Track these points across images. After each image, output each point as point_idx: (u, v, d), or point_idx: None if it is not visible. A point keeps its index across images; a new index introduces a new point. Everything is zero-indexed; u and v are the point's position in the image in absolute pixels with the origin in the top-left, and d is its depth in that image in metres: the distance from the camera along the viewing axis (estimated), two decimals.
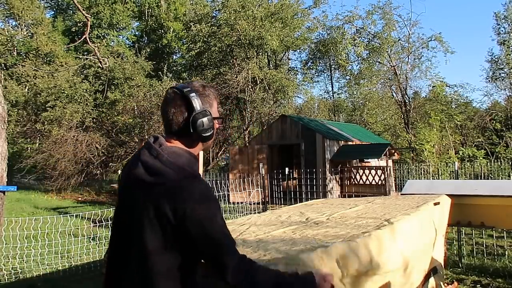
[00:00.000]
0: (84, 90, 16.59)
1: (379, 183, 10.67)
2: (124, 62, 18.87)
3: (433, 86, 19.01)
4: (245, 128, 18.60)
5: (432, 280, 2.39)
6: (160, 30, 29.62)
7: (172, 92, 1.32)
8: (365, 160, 11.85)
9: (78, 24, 26.38)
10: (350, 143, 12.78)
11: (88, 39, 6.21)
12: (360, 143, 13.20)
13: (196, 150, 1.35)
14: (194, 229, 1.18)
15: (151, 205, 1.20)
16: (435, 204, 2.65)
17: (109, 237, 1.42)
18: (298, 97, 24.56)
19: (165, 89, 16.19)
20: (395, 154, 12.72)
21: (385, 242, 1.87)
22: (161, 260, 1.21)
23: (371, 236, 1.82)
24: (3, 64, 23.65)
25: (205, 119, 1.29)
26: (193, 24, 18.32)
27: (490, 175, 12.58)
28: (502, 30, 21.71)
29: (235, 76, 16.75)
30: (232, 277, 1.19)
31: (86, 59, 16.26)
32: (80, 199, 14.70)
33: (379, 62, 21.05)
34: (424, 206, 2.56)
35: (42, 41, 23.16)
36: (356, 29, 21.12)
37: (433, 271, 2.41)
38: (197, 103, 1.29)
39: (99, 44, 19.89)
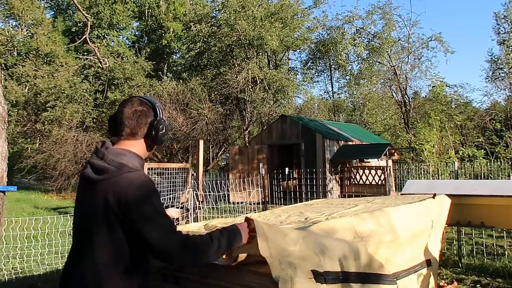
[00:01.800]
0: (84, 90, 16.60)
1: (379, 183, 10.67)
2: (124, 62, 18.87)
3: (433, 86, 19.02)
4: (245, 128, 18.60)
5: (425, 271, 2.41)
6: (160, 30, 29.62)
7: (126, 101, 1.49)
8: (365, 160, 11.85)
9: (78, 24, 26.40)
10: (350, 143, 12.78)
11: (88, 39, 6.21)
12: (360, 143, 13.20)
13: (142, 151, 1.49)
14: (136, 214, 1.30)
15: (99, 201, 1.33)
16: (433, 196, 2.75)
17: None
18: (298, 97, 24.59)
19: (165, 89, 16.29)
20: (395, 154, 12.71)
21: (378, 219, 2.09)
22: (111, 252, 1.32)
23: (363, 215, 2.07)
24: (3, 64, 23.65)
25: (163, 128, 1.48)
26: (193, 24, 18.32)
27: (490, 175, 12.58)
28: (502, 30, 21.73)
29: (235, 76, 16.75)
30: (176, 256, 1.32)
31: (86, 59, 16.28)
32: None
33: (379, 62, 21.05)
34: (418, 201, 2.69)
35: (42, 41, 23.16)
36: (356, 29, 21.13)
37: (427, 262, 2.45)
38: (159, 113, 1.48)
39: (99, 44, 19.91)
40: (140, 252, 1.36)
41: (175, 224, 1.35)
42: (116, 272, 1.32)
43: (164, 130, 1.47)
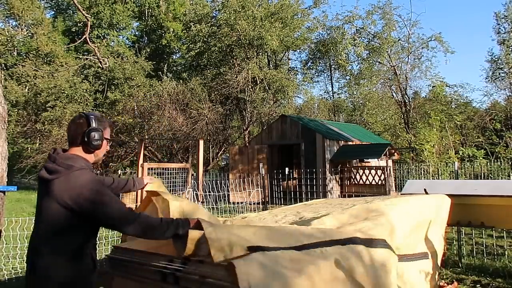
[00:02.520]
0: (84, 90, 16.62)
1: (379, 183, 10.67)
2: (124, 62, 18.88)
3: (433, 86, 19.02)
4: (245, 128, 18.60)
5: (421, 263, 2.41)
6: (160, 30, 29.63)
7: (76, 116, 1.85)
8: (365, 160, 11.85)
9: (78, 24, 26.39)
10: (350, 143, 12.77)
11: (88, 39, 6.21)
12: (360, 143, 13.19)
13: (86, 155, 1.81)
14: (94, 204, 1.64)
15: (52, 197, 1.64)
16: (425, 191, 2.94)
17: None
18: (298, 97, 24.59)
19: (165, 89, 16.30)
20: (395, 154, 12.71)
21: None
22: (62, 240, 1.65)
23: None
24: (3, 64, 23.67)
25: (94, 135, 1.78)
26: (193, 24, 18.32)
27: (490, 175, 12.57)
28: (502, 30, 21.73)
29: (235, 76, 16.75)
30: (129, 226, 1.69)
31: (86, 59, 16.26)
32: None
33: (379, 62, 21.05)
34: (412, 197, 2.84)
35: (42, 41, 23.17)
36: (356, 29, 21.13)
37: (423, 255, 2.50)
38: (92, 123, 1.79)
39: (99, 44, 19.91)
40: (87, 239, 1.73)
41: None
42: (64, 257, 1.65)
43: (95, 137, 1.78)
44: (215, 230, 1.67)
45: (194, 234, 1.71)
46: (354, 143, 12.92)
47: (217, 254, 1.60)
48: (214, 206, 7.60)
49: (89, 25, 6.44)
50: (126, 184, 2.25)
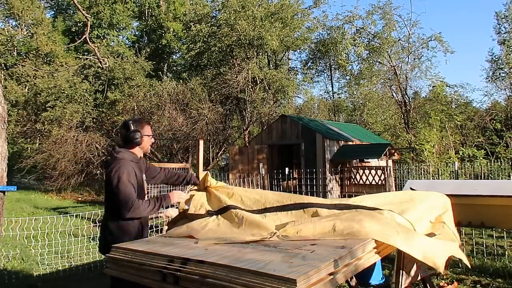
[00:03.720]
0: (84, 90, 16.59)
1: (379, 183, 10.66)
2: (124, 62, 18.86)
3: (433, 86, 19.01)
4: (245, 128, 18.60)
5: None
6: (160, 30, 29.63)
7: (121, 123, 2.74)
8: (365, 160, 11.85)
9: (78, 24, 26.40)
10: (350, 143, 12.77)
11: (88, 39, 6.20)
12: (360, 143, 13.19)
13: (135, 150, 2.62)
14: (112, 183, 2.42)
15: (106, 172, 2.52)
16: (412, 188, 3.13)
17: None
18: (298, 97, 24.58)
19: (165, 89, 16.28)
20: (395, 154, 12.71)
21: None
22: (110, 201, 2.48)
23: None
24: (3, 64, 23.66)
25: (134, 135, 2.56)
26: (193, 24, 18.32)
27: (490, 175, 12.57)
28: (502, 30, 21.71)
29: (235, 76, 16.74)
30: (124, 212, 2.38)
31: (86, 59, 16.25)
32: (80, 199, 14.71)
33: (379, 62, 21.05)
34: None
35: (42, 41, 23.17)
36: (356, 29, 21.13)
37: None
38: (131, 127, 2.57)
39: (99, 44, 19.90)
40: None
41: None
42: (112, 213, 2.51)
43: (135, 137, 2.55)
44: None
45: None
46: (354, 143, 12.91)
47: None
48: None
49: (89, 25, 6.43)
50: (179, 178, 2.96)
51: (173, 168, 10.19)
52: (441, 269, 2.11)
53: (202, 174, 2.84)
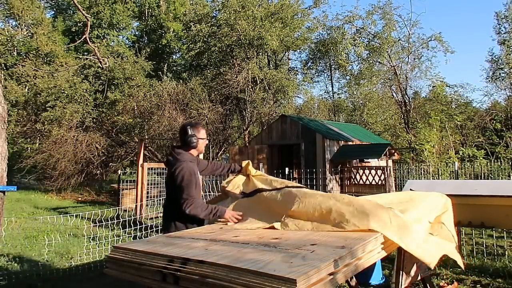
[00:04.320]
0: (84, 90, 16.58)
1: (379, 183, 10.67)
2: (124, 62, 18.86)
3: (433, 86, 19.00)
4: (245, 128, 18.60)
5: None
6: (160, 30, 29.63)
7: (180, 127, 3.04)
8: (365, 160, 11.85)
9: (78, 24, 26.41)
10: (350, 143, 12.78)
11: (88, 39, 6.20)
12: (360, 143, 13.19)
13: (192, 151, 2.97)
14: (176, 181, 2.78)
15: (169, 171, 2.87)
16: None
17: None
18: (298, 97, 24.58)
19: (165, 89, 16.29)
20: (395, 154, 12.71)
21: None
22: (170, 199, 2.92)
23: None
24: (3, 64, 23.65)
25: (191, 139, 2.90)
26: (193, 24, 18.32)
27: (490, 175, 12.57)
28: (502, 30, 21.72)
29: (235, 76, 16.74)
30: (185, 208, 2.72)
31: (86, 59, 16.25)
32: (80, 199, 14.71)
33: (379, 62, 21.06)
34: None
35: (42, 41, 23.16)
36: (356, 29, 21.13)
37: None
38: (188, 131, 2.91)
39: (99, 44, 19.90)
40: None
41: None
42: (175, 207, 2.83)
43: (192, 141, 2.90)
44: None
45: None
46: (354, 143, 12.92)
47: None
48: None
49: (89, 25, 6.43)
50: (224, 168, 3.33)
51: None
52: (432, 265, 2.19)
53: (243, 163, 3.23)
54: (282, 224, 2.44)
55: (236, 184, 3.14)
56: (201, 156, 4.05)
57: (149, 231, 6.96)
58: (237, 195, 3.02)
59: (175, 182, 2.77)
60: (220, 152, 18.07)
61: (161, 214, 6.12)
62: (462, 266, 2.79)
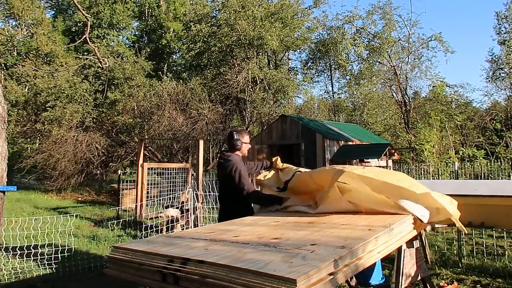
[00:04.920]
0: (84, 90, 16.57)
1: None
2: (124, 62, 18.85)
3: (433, 86, 19.01)
4: (245, 128, 18.60)
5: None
6: (160, 30, 29.63)
7: (227, 133, 3.56)
8: (365, 160, 11.85)
9: (78, 24, 26.40)
10: (350, 143, 12.78)
11: (88, 39, 6.20)
12: (360, 143, 13.20)
13: (238, 153, 3.48)
14: (234, 179, 3.24)
15: (224, 171, 3.31)
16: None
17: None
18: (298, 97, 24.59)
19: (165, 89, 16.29)
20: (395, 154, 12.71)
21: None
22: (229, 194, 3.32)
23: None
24: (3, 64, 23.65)
25: (236, 143, 3.43)
26: (193, 24, 18.32)
27: (490, 175, 12.56)
28: (502, 30, 21.73)
29: (235, 76, 16.74)
30: (248, 198, 3.21)
31: (86, 59, 16.26)
32: (80, 199, 14.70)
33: (379, 62, 21.06)
34: None
35: (42, 41, 23.16)
36: (356, 29, 21.15)
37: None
38: (234, 136, 3.43)
39: (99, 44, 19.90)
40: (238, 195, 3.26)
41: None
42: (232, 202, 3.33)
43: (236, 144, 3.42)
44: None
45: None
46: (354, 143, 12.92)
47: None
48: (214, 206, 7.60)
49: (89, 25, 6.44)
50: (258, 166, 3.84)
51: (173, 168, 10.22)
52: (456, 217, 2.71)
53: (273, 159, 3.89)
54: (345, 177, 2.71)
55: (267, 175, 3.73)
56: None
57: (149, 231, 6.96)
58: (272, 189, 3.49)
59: (234, 180, 3.22)
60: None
61: (161, 214, 6.35)
62: (464, 230, 2.91)
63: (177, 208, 7.64)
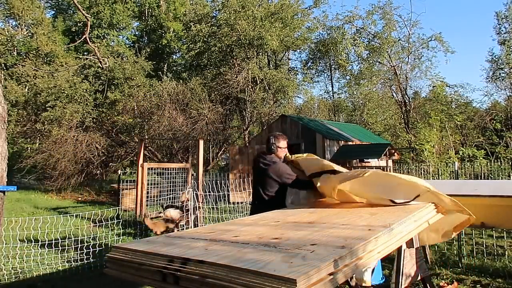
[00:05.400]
0: (84, 90, 16.57)
1: None
2: (124, 62, 18.85)
3: (433, 86, 19.02)
4: (245, 128, 18.60)
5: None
6: (160, 30, 29.64)
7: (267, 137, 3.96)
8: (365, 160, 11.85)
9: (78, 24, 26.41)
10: (350, 143, 12.78)
11: (88, 39, 6.21)
12: (360, 143, 13.20)
13: (276, 155, 3.82)
14: (282, 176, 3.61)
15: (264, 173, 3.64)
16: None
17: None
18: (298, 97, 24.61)
19: (165, 89, 16.30)
20: (395, 154, 12.71)
21: None
22: (268, 193, 3.64)
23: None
24: (3, 64, 23.65)
25: (272, 147, 3.80)
26: (193, 24, 18.32)
27: (490, 175, 12.56)
28: (502, 30, 21.74)
29: (235, 76, 16.75)
30: (296, 186, 3.67)
31: (86, 59, 16.27)
32: (80, 199, 14.70)
33: (379, 62, 21.06)
34: None
35: (42, 41, 23.16)
36: (356, 29, 21.16)
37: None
38: (271, 141, 3.83)
39: (99, 44, 19.90)
40: (279, 192, 3.63)
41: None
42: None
43: (273, 148, 3.79)
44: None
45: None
46: (354, 143, 12.92)
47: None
48: (214, 206, 7.61)
49: (89, 25, 6.44)
50: None
51: (173, 168, 10.21)
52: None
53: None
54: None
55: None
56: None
57: (149, 231, 6.96)
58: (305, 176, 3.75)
59: (281, 177, 3.58)
60: (220, 152, 18.08)
61: (161, 214, 6.38)
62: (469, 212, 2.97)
63: (178, 208, 7.64)
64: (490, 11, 53.78)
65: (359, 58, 21.59)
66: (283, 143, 3.86)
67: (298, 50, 23.01)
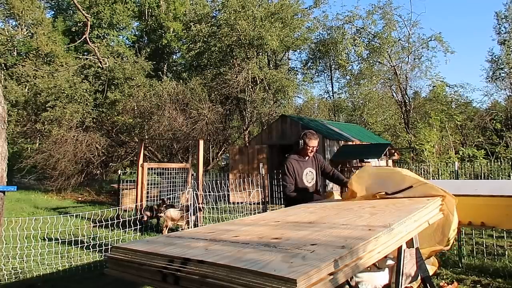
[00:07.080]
0: (84, 90, 16.57)
1: None
2: (124, 62, 18.85)
3: (433, 86, 19.03)
4: (245, 128, 18.60)
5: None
6: (160, 30, 29.63)
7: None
8: (365, 160, 11.85)
9: (78, 24, 26.40)
10: (350, 143, 12.78)
11: (88, 39, 6.21)
12: (360, 143, 13.20)
13: (300, 154, 4.08)
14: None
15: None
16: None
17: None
18: (298, 97, 24.59)
19: (165, 89, 16.29)
20: (395, 154, 12.71)
21: None
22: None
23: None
24: (3, 64, 23.66)
25: (299, 145, 4.02)
26: (193, 24, 18.32)
27: (490, 175, 12.56)
28: (502, 30, 21.76)
29: (235, 76, 16.74)
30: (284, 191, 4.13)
31: (86, 59, 16.27)
32: (80, 199, 14.71)
33: (379, 62, 21.06)
34: None
35: (42, 41, 23.17)
36: (356, 29, 21.15)
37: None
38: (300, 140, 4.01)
39: (99, 44, 19.89)
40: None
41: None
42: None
43: (300, 146, 3.98)
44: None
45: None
46: (354, 143, 12.92)
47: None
48: (214, 206, 7.61)
49: (89, 25, 6.44)
50: (338, 178, 4.22)
51: (173, 168, 10.22)
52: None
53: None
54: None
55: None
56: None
57: (149, 231, 6.97)
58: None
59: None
60: (220, 152, 18.08)
61: (161, 214, 6.55)
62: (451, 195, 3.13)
63: (177, 208, 7.63)
64: (490, 11, 53.78)
65: (359, 58, 21.60)
66: (313, 143, 4.00)
67: (298, 50, 23.02)
